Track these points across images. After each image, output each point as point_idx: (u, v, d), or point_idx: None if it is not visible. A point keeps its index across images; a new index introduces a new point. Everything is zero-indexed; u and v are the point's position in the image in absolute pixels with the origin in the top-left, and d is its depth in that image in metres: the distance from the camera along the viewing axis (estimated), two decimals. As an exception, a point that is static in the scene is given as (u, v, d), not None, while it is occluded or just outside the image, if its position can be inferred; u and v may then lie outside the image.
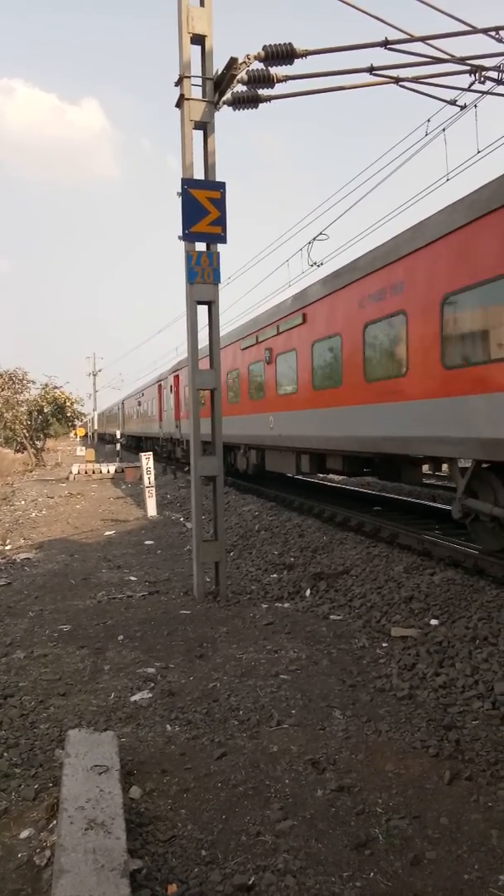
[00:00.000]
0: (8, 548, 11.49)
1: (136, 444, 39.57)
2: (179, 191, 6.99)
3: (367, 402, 8.88)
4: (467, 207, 6.71)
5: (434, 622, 5.79)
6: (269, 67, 7.19)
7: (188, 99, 7.05)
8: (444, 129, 8.92)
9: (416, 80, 7.82)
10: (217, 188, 7.11)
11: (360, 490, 15.17)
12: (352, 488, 15.50)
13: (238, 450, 16.44)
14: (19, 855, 2.88)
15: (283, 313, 12.22)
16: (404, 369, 7.90)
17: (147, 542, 11.15)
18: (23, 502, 18.36)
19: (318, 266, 12.03)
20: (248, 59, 7.02)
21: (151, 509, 14.51)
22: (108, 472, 26.46)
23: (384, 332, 8.47)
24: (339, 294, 9.78)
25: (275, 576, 8.17)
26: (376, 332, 8.67)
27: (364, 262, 8.91)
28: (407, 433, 7.89)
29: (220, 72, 7.09)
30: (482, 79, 7.80)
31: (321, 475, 15.60)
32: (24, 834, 3.03)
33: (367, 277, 8.80)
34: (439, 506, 11.54)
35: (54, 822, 2.99)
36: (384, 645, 5.50)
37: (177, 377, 23.45)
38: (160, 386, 27.17)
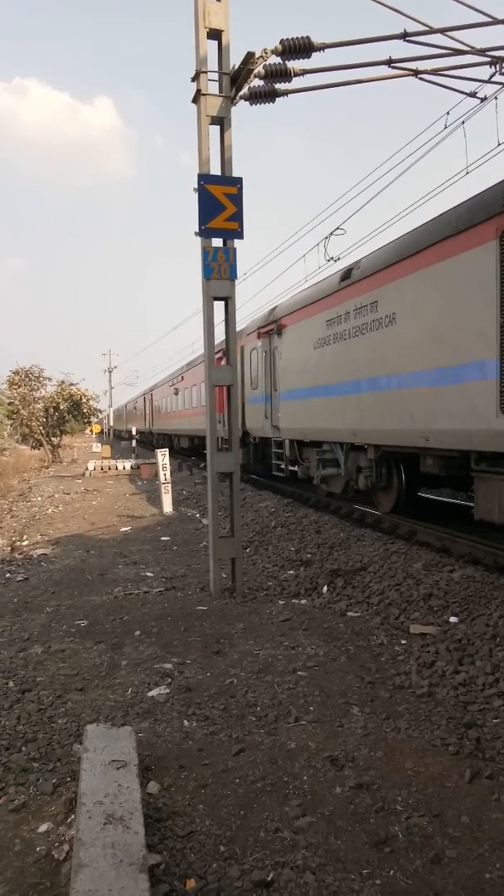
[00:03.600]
0: (25, 544, 11.57)
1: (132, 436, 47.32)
2: (196, 186, 6.97)
3: (199, 416, 22.02)
4: (186, 365, 27.06)
5: (453, 619, 5.74)
6: (287, 61, 7.13)
7: (205, 94, 7.02)
8: (463, 122, 8.82)
9: (435, 72, 7.73)
10: (234, 183, 7.08)
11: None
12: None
13: (175, 437, 32.02)
14: (38, 849, 2.89)
15: (179, 373, 28.62)
16: (194, 406, 23.22)
17: (163, 539, 11.17)
18: (39, 498, 18.49)
19: (336, 261, 11.95)
20: (265, 53, 6.97)
21: (167, 506, 14.54)
22: (124, 468, 26.56)
23: (195, 389, 23.48)
24: (189, 371, 25.66)
25: (291, 572, 8.14)
26: (192, 390, 24.42)
27: (183, 367, 27.32)
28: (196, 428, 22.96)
29: (236, 67, 7.04)
30: (503, 70, 7.70)
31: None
32: (43, 828, 3.03)
33: (190, 370, 24.86)
34: (458, 502, 11.46)
35: (72, 816, 2.99)
36: (403, 642, 5.46)
37: (150, 395, 39.37)
38: (145, 398, 42.87)
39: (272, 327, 13.25)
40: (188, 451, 29.24)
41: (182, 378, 27.09)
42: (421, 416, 7.78)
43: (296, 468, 12.88)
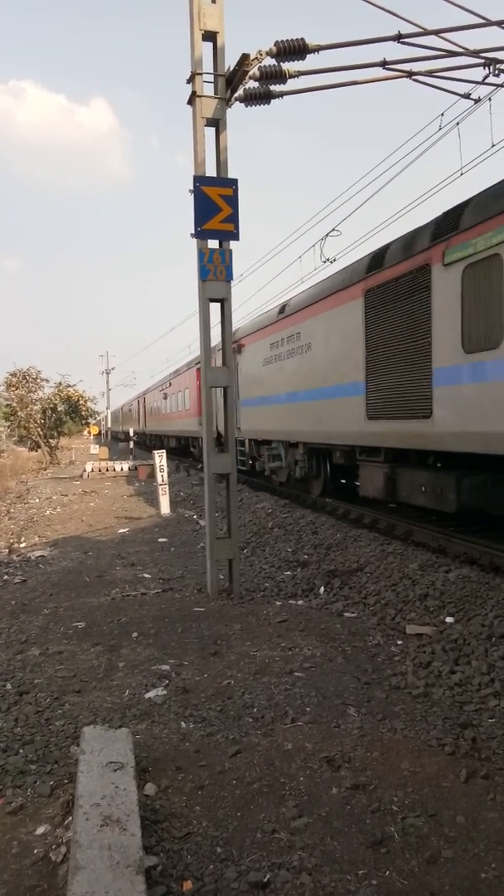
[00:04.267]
0: (23, 545, 11.56)
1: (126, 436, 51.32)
2: (191, 188, 6.98)
3: (182, 419, 26.22)
4: (172, 373, 30.07)
5: (449, 620, 5.76)
6: (281, 63, 7.15)
7: (200, 96, 7.03)
8: (457, 124, 8.86)
9: (429, 73, 7.75)
10: (229, 185, 7.08)
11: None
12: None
13: (165, 438, 33.94)
14: (35, 851, 2.89)
15: (167, 379, 30.99)
16: (187, 408, 24.20)
17: (161, 540, 11.17)
18: (37, 500, 18.47)
19: (332, 262, 11.98)
20: (260, 55, 6.99)
21: (165, 507, 14.54)
22: (122, 469, 26.56)
23: (179, 395, 27.05)
24: (175, 378, 28.33)
25: (288, 573, 8.16)
26: (177, 396, 27.49)
27: (170, 374, 30.63)
28: (186, 428, 25.38)
29: (231, 68, 7.05)
30: (496, 72, 7.71)
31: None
32: (40, 830, 3.04)
33: (176, 377, 28.06)
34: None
35: (70, 818, 3.00)
36: (399, 642, 5.47)
37: (144, 398, 42.86)
38: (139, 401, 46.12)
39: (234, 346, 15.84)
40: (176, 449, 31.17)
41: (170, 384, 30.30)
42: (327, 420, 10.45)
43: (255, 463, 16.12)
